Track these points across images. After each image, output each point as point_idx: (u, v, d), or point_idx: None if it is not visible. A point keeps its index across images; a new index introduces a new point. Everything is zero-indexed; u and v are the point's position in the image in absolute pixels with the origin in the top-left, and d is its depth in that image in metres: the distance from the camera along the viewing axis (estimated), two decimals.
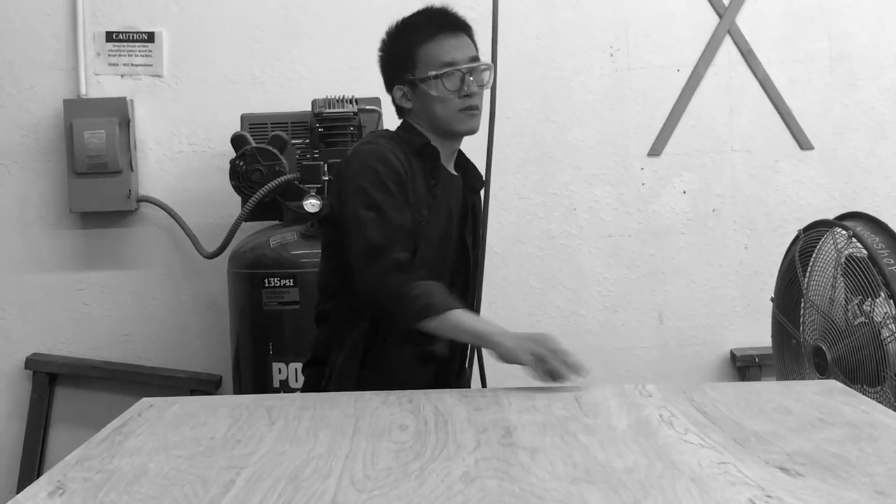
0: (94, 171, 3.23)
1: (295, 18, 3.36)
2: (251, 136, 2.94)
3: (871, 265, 2.13)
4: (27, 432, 3.34)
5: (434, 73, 1.96)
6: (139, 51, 3.33)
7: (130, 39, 3.33)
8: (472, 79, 1.97)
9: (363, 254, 1.86)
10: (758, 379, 3.32)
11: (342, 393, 1.78)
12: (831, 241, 2.29)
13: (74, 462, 1.33)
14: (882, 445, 1.33)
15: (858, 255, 2.19)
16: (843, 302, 2.24)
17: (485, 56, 2.10)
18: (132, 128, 3.30)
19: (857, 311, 2.20)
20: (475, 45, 2.03)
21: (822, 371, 2.28)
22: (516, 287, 3.41)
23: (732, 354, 3.41)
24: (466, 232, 2.09)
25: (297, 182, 2.86)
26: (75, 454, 1.37)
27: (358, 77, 3.22)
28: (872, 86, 3.42)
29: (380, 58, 2.06)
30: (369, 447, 1.37)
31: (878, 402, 1.66)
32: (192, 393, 3.22)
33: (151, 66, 3.34)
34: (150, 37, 3.34)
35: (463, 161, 2.11)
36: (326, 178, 2.81)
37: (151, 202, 3.33)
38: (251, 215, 2.95)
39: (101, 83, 3.34)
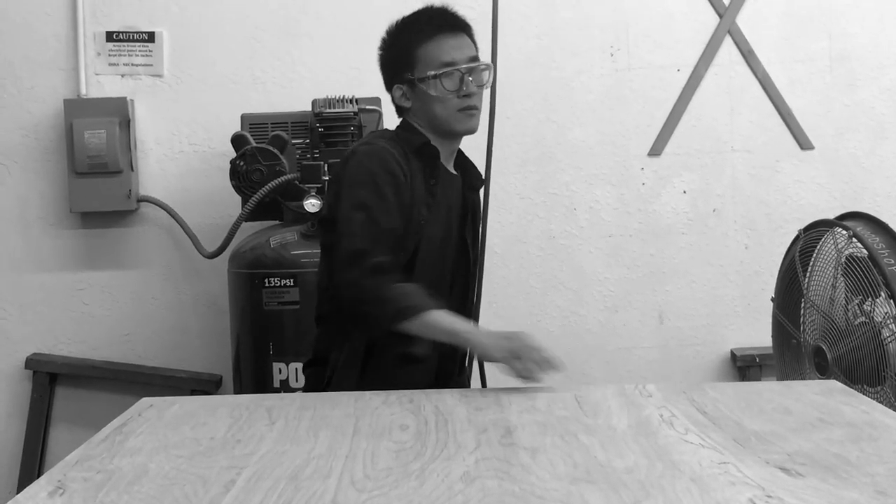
0: (94, 170, 3.23)
1: (295, 18, 3.36)
2: (251, 135, 2.94)
3: (872, 265, 2.13)
4: (27, 432, 3.34)
5: (433, 72, 1.96)
6: (139, 51, 3.33)
7: (131, 39, 3.33)
8: (471, 79, 1.97)
9: (345, 256, 1.85)
10: (758, 379, 3.32)
11: (342, 393, 1.78)
12: (832, 241, 2.29)
13: (75, 462, 1.33)
14: (882, 445, 1.32)
15: (859, 255, 2.19)
16: (844, 302, 2.24)
17: (485, 56, 2.10)
18: (132, 128, 3.30)
19: (858, 311, 2.19)
20: (475, 44, 2.03)
21: (823, 371, 2.28)
22: (517, 287, 3.41)
23: (733, 354, 3.41)
24: (466, 231, 2.09)
25: (297, 182, 2.86)
26: (75, 454, 1.37)
27: (358, 77, 3.22)
28: (872, 86, 3.42)
29: (379, 56, 2.06)
30: (370, 447, 1.37)
31: (879, 402, 1.66)
32: (193, 393, 3.22)
33: (152, 65, 3.34)
34: (151, 37, 3.34)
35: (462, 160, 2.12)
36: (326, 178, 2.81)
37: (152, 202, 3.33)
38: (251, 215, 2.95)
39: (102, 83, 3.34)
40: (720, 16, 3.40)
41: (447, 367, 2.08)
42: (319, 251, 2.07)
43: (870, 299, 2.15)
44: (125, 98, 3.28)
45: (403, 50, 2.00)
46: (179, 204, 3.33)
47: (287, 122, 3.05)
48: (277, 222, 2.99)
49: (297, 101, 3.15)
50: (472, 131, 2.02)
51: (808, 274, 2.38)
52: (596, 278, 3.43)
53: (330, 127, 2.92)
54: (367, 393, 1.74)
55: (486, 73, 2.03)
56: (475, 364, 2.42)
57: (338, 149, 2.87)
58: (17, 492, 2.48)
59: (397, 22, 2.03)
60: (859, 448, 1.31)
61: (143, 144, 3.35)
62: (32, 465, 3.32)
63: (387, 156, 1.92)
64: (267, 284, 2.73)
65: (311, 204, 2.76)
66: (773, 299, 2.56)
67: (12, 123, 3.34)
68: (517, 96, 3.36)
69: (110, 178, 3.25)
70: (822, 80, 3.42)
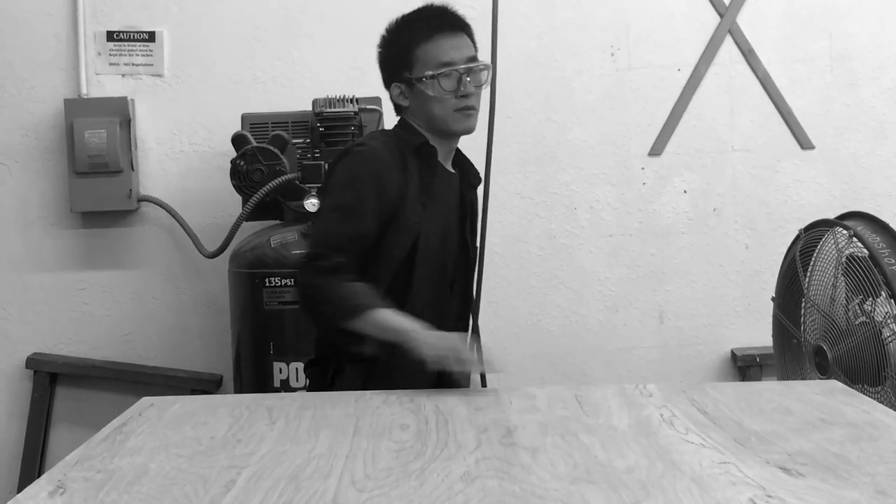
0: (94, 170, 3.23)
1: (295, 18, 3.36)
2: (252, 135, 2.94)
3: (872, 265, 2.13)
4: (28, 432, 3.34)
5: (431, 72, 1.96)
6: (140, 50, 3.33)
7: (131, 39, 3.33)
8: (469, 79, 1.97)
9: (308, 254, 1.91)
10: (759, 379, 3.31)
11: (343, 392, 1.78)
12: (832, 241, 2.29)
13: (75, 462, 1.33)
14: (883, 445, 1.32)
15: (859, 254, 2.18)
16: (844, 301, 2.24)
17: (484, 55, 2.10)
18: (133, 127, 3.30)
19: (858, 311, 2.19)
20: (474, 44, 2.03)
21: (823, 371, 2.28)
22: (517, 287, 3.41)
23: (733, 354, 3.41)
24: (466, 229, 2.10)
25: (297, 182, 2.86)
26: (76, 454, 1.37)
27: (359, 77, 3.22)
28: (873, 85, 3.42)
29: (378, 54, 2.06)
30: (370, 447, 1.37)
31: (879, 402, 1.66)
32: (193, 392, 3.21)
33: (152, 65, 3.34)
34: (151, 36, 3.34)
35: (460, 158, 2.12)
36: None
37: (152, 202, 3.33)
38: (252, 215, 2.95)
39: (102, 83, 3.34)
40: (721, 15, 3.40)
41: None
42: None
43: (870, 299, 2.15)
44: (126, 98, 3.28)
45: (402, 49, 2.00)
46: (180, 204, 3.33)
47: (287, 122, 3.05)
48: (278, 222, 2.99)
49: (298, 101, 3.15)
50: (469, 131, 2.02)
51: (808, 274, 2.38)
52: (596, 278, 3.43)
53: (330, 126, 2.92)
54: (368, 392, 1.74)
55: (485, 73, 2.03)
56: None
57: (338, 148, 2.86)
58: (18, 491, 2.48)
59: (397, 20, 2.03)
60: (860, 448, 1.31)
61: (144, 144, 3.35)
62: (33, 465, 3.32)
63: (378, 158, 1.93)
64: (267, 284, 2.73)
65: (312, 203, 2.75)
66: (773, 299, 2.56)
67: (13, 123, 3.34)
68: (517, 96, 3.35)
69: (111, 178, 3.25)
70: (822, 79, 3.42)
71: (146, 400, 1.72)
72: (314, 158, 2.97)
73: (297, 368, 2.69)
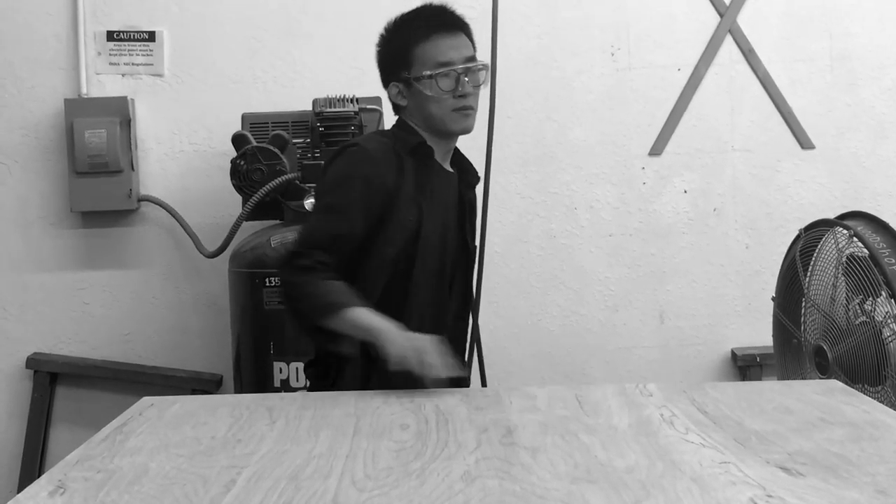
0: (94, 170, 3.23)
1: (296, 18, 3.36)
2: (252, 135, 2.94)
3: (873, 264, 2.13)
4: (28, 432, 3.34)
5: (429, 72, 1.96)
6: (140, 50, 3.33)
7: (131, 39, 3.33)
8: (467, 79, 1.97)
9: (292, 252, 1.90)
10: (759, 378, 3.31)
11: (343, 392, 1.78)
12: (832, 241, 2.29)
13: (75, 461, 1.33)
14: (883, 445, 1.32)
15: (859, 254, 2.18)
16: (845, 301, 2.24)
17: (484, 55, 2.09)
18: (133, 127, 3.30)
19: (859, 311, 2.19)
20: (473, 43, 2.03)
21: (824, 370, 2.28)
22: (517, 286, 3.41)
23: (733, 354, 3.41)
24: (465, 229, 2.09)
25: (297, 181, 2.86)
26: (76, 454, 1.37)
27: (359, 76, 3.22)
28: (873, 85, 3.42)
29: (377, 53, 2.06)
30: (370, 447, 1.37)
31: (880, 402, 1.66)
32: (193, 392, 3.22)
33: (152, 65, 3.34)
34: (151, 36, 3.34)
35: (459, 158, 2.12)
36: None
37: (152, 201, 3.33)
38: (252, 215, 2.95)
39: (102, 82, 3.34)
40: (721, 15, 3.40)
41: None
42: None
43: (871, 299, 2.15)
44: (126, 97, 3.28)
45: (400, 48, 2.00)
46: (180, 203, 3.33)
47: (288, 122, 3.05)
48: (278, 222, 2.99)
49: (298, 101, 3.15)
50: (467, 131, 2.02)
51: (808, 273, 2.38)
52: (596, 278, 3.43)
53: (330, 126, 2.92)
54: (368, 392, 1.74)
55: (483, 73, 2.02)
56: (475, 364, 2.43)
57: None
58: (18, 491, 2.48)
59: (395, 19, 2.03)
60: (860, 448, 1.31)
61: (144, 144, 3.35)
62: (33, 465, 3.32)
63: (371, 160, 1.93)
64: (268, 284, 2.73)
65: (311, 203, 2.75)
66: (773, 299, 2.56)
67: (13, 123, 3.34)
68: (518, 96, 3.35)
69: (111, 178, 3.25)
70: (822, 79, 3.42)
71: (146, 400, 1.72)
72: (314, 158, 2.97)
73: (297, 368, 2.69)
